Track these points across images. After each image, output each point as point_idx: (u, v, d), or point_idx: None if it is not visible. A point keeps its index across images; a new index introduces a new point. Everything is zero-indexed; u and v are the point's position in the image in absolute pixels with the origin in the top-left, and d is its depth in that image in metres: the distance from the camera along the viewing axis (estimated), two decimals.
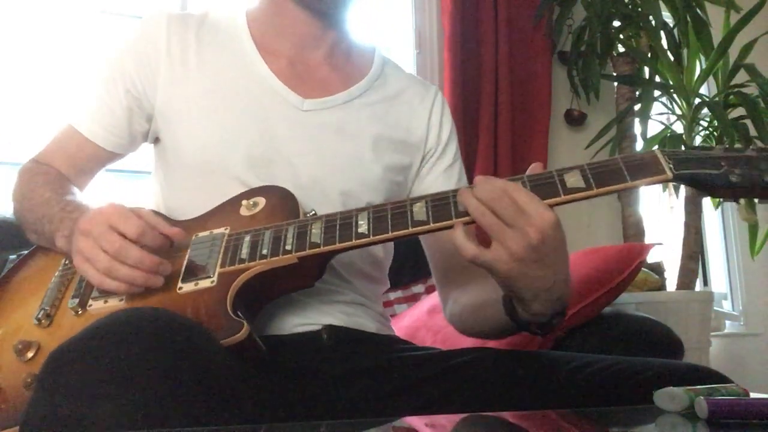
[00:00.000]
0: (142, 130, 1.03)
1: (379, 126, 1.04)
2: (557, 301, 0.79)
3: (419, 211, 0.79)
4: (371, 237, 0.79)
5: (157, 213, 0.96)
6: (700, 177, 0.76)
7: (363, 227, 0.80)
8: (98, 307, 0.83)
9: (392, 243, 1.08)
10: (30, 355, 0.80)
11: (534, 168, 0.79)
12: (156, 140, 1.04)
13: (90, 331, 0.65)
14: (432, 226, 0.78)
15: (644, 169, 0.77)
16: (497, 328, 0.90)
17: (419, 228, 0.79)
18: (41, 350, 0.81)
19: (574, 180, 0.77)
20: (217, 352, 0.70)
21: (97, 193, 1.09)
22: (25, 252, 1.01)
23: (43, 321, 0.84)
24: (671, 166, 0.76)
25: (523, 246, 0.72)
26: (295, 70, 1.03)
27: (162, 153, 1.03)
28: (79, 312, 0.83)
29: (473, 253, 0.75)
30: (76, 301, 0.84)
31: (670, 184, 2.43)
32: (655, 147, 0.74)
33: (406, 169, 1.06)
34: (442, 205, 0.79)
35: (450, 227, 0.78)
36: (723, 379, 0.84)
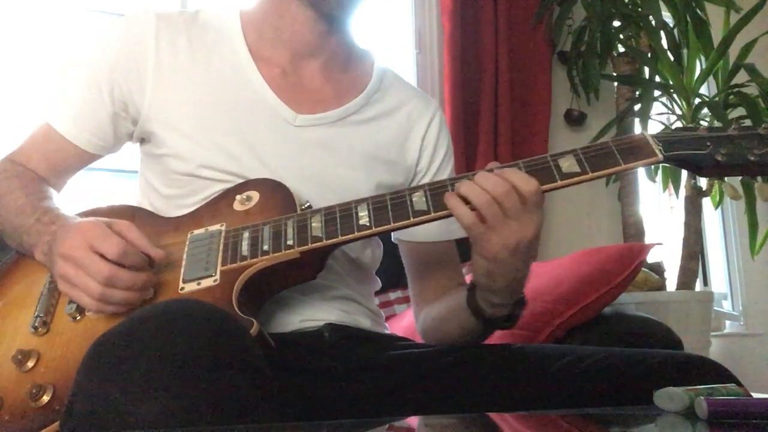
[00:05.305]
0: (127, 132, 0.99)
1: (372, 144, 1.01)
2: (520, 291, 0.86)
3: (419, 200, 0.80)
4: (373, 228, 0.80)
5: (148, 212, 0.95)
6: (688, 158, 0.80)
7: (364, 219, 0.80)
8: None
9: (381, 246, 1.09)
10: (30, 364, 0.77)
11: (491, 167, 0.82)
12: (141, 141, 1.01)
13: (138, 318, 0.64)
14: (434, 215, 0.79)
15: (636, 151, 0.79)
16: (463, 336, 0.93)
17: (421, 218, 0.80)
18: (41, 359, 0.77)
19: (568, 165, 0.79)
20: (257, 348, 0.68)
21: (82, 191, 1.06)
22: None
23: (39, 329, 0.80)
24: (661, 148, 0.79)
25: (518, 239, 0.77)
26: (287, 81, 0.98)
27: (148, 155, 1.00)
28: (77, 318, 0.80)
29: (471, 221, 0.77)
30: (74, 306, 0.81)
31: (670, 185, 2.44)
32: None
33: (397, 188, 1.04)
34: (441, 194, 0.80)
35: (451, 215, 0.79)
36: (719, 368, 0.85)
